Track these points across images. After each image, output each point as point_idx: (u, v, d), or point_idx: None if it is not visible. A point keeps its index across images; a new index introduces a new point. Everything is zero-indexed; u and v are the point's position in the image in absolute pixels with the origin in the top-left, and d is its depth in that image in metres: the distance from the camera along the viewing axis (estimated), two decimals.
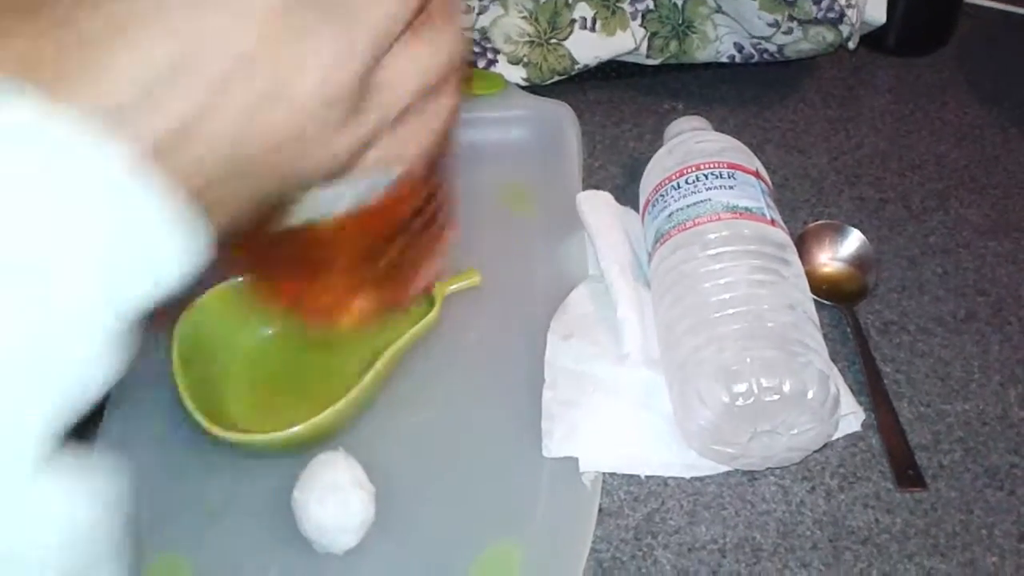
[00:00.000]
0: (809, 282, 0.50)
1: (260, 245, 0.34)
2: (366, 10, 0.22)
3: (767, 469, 0.47)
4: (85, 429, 0.49)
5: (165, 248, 0.20)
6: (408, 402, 0.49)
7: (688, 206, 0.51)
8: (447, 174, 0.38)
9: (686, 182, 0.52)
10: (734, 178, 0.52)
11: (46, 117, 0.17)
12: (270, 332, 0.51)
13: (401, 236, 0.36)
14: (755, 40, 0.71)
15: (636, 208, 0.58)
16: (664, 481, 0.47)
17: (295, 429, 0.43)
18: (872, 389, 0.50)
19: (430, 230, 0.38)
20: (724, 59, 0.73)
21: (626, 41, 0.71)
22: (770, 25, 0.69)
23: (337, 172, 0.24)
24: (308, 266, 0.36)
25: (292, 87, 0.21)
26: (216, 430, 0.44)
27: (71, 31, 0.18)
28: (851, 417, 0.49)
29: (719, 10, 0.71)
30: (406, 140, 0.25)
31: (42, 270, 0.17)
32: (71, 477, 0.19)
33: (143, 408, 0.48)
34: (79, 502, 0.19)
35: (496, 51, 0.69)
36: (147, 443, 0.47)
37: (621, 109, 0.72)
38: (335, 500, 0.41)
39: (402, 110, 0.25)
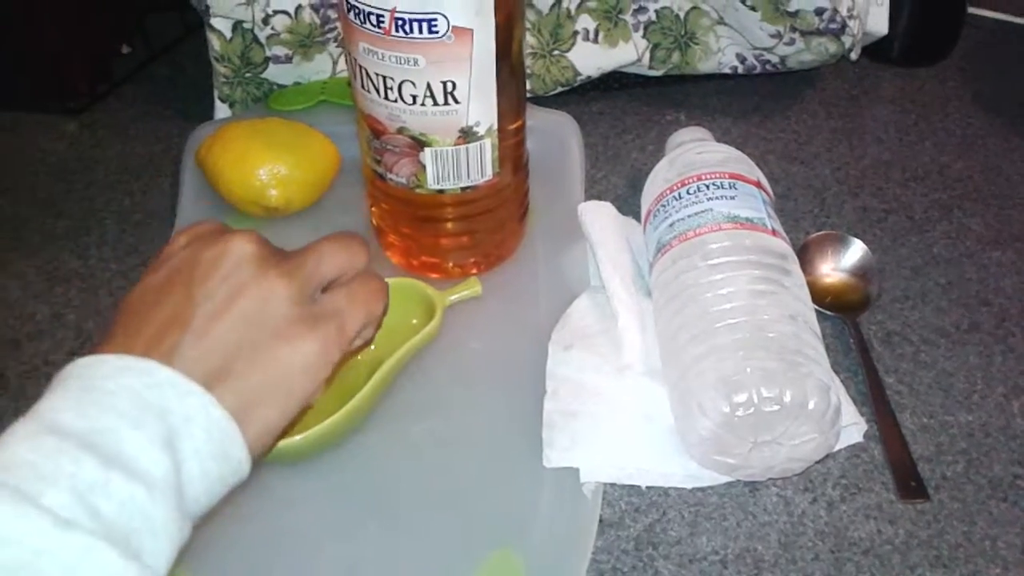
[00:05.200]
0: (811, 293, 0.49)
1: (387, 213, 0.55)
2: (327, 327, 0.37)
3: (768, 480, 0.47)
4: None
5: (239, 461, 0.33)
6: (409, 412, 0.49)
7: (689, 216, 0.51)
8: (523, 175, 0.56)
9: (687, 192, 0.52)
10: (735, 188, 0.52)
11: (212, 406, 0.33)
12: None
13: (487, 215, 0.54)
14: (757, 51, 0.71)
15: (638, 219, 0.58)
16: (665, 492, 0.47)
17: (295, 439, 0.43)
18: (874, 400, 0.50)
19: (510, 212, 0.55)
20: (726, 70, 0.73)
21: (628, 52, 0.71)
22: (772, 36, 0.69)
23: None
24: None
25: (298, 374, 0.35)
26: None
27: (213, 366, 0.33)
28: (853, 428, 0.48)
29: (721, 21, 0.71)
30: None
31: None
32: None
33: None
34: None
35: None
36: None
37: (624, 120, 0.72)
38: None
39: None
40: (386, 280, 0.52)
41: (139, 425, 0.31)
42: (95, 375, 0.32)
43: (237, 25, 0.66)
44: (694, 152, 0.56)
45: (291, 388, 0.35)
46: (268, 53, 0.68)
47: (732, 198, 0.51)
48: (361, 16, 0.46)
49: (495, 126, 0.50)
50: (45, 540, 0.27)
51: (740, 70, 0.73)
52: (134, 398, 0.31)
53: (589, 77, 0.71)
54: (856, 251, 0.58)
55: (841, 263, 0.58)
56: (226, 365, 0.34)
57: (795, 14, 0.67)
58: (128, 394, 0.31)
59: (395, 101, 0.48)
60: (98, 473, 0.29)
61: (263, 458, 0.36)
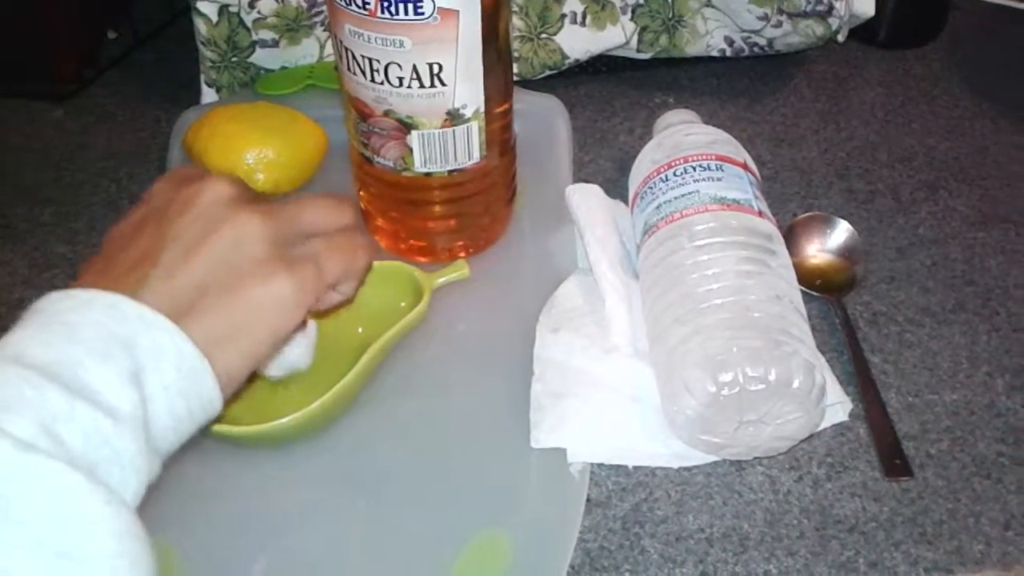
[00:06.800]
0: (798, 274, 0.50)
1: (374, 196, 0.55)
2: (303, 268, 0.36)
3: (754, 459, 0.47)
4: None
5: (209, 397, 0.33)
6: (397, 394, 0.49)
7: (676, 198, 0.51)
8: (510, 158, 0.56)
9: (674, 174, 0.53)
10: (722, 170, 0.52)
11: (182, 339, 0.32)
12: None
13: (474, 198, 0.54)
14: (745, 34, 0.71)
15: (626, 201, 0.58)
16: (652, 471, 0.47)
17: (282, 421, 0.44)
18: (860, 379, 0.50)
19: (497, 195, 0.55)
20: (714, 53, 0.73)
21: (616, 35, 0.71)
22: (760, 18, 0.69)
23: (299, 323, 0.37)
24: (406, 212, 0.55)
25: (270, 311, 0.35)
26: None
27: (181, 301, 0.33)
28: (838, 407, 0.49)
29: (709, 4, 0.71)
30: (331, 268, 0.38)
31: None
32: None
33: None
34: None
35: None
36: None
37: (612, 103, 0.72)
38: None
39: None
40: (374, 262, 0.52)
41: (105, 358, 0.30)
42: (61, 309, 0.31)
43: (223, 9, 0.66)
44: (681, 134, 0.56)
45: (262, 326, 0.34)
46: (255, 37, 0.67)
47: (719, 180, 0.51)
48: None
49: (482, 109, 0.50)
50: (5, 463, 0.27)
51: (728, 53, 0.73)
52: (100, 331, 0.30)
53: (577, 60, 0.71)
54: (842, 232, 0.58)
55: (827, 244, 0.58)
56: (195, 300, 0.33)
57: None
58: (94, 327, 0.30)
59: (381, 83, 0.48)
60: (62, 402, 0.28)
61: (233, 399, 0.35)
